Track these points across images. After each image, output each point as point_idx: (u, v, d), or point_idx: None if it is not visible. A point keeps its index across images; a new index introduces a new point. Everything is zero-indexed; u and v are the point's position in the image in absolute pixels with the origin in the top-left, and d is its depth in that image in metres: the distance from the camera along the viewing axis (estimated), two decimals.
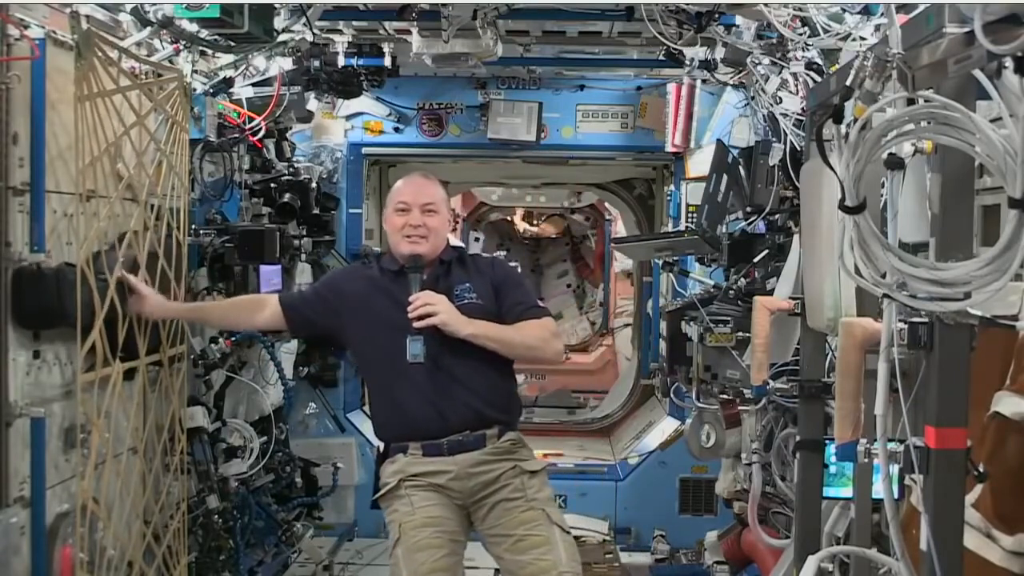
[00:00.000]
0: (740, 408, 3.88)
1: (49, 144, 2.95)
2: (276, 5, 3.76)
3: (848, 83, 2.01)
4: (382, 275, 3.29)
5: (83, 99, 2.90)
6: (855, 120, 1.94)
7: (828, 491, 3.00)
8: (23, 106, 2.86)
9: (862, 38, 3.19)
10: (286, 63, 4.52)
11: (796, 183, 3.69)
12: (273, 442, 4.59)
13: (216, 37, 3.60)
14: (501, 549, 3.10)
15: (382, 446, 3.29)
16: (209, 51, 3.97)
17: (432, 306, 3.04)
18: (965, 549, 1.97)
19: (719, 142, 4.68)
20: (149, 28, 3.41)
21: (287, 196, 5.00)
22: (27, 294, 2.84)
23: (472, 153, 6.22)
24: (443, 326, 3.05)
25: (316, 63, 4.59)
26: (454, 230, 10.78)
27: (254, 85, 4.53)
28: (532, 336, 3.17)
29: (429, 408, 3.11)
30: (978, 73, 1.74)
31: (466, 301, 3.17)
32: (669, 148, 5.66)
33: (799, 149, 3.80)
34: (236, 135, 4.42)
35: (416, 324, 3.04)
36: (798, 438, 3.10)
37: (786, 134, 3.96)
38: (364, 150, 6.07)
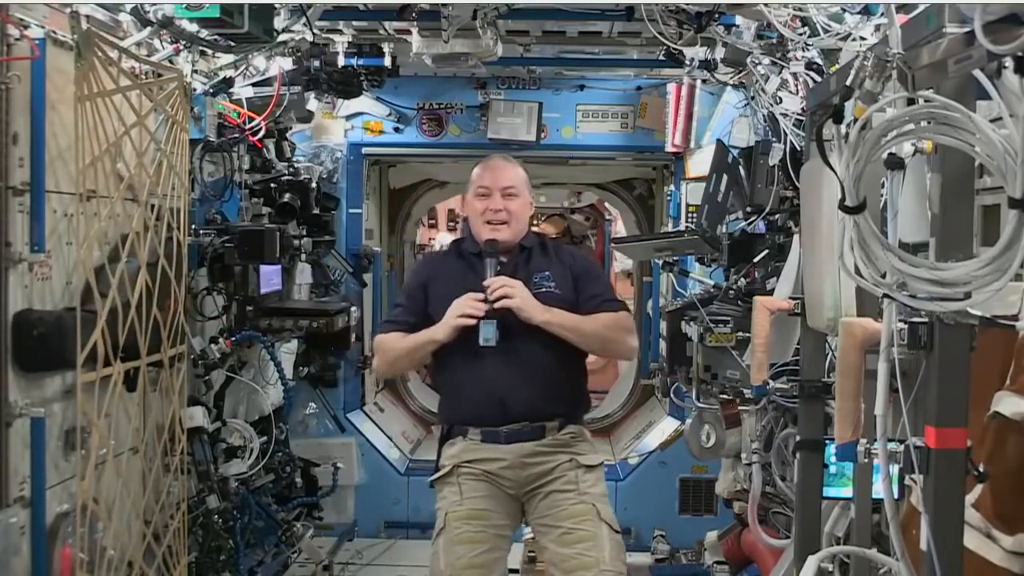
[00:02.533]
0: (740, 408, 3.87)
1: (49, 144, 2.95)
2: (276, 5, 3.76)
3: (848, 83, 2.01)
4: (460, 259, 3.29)
5: (83, 99, 2.90)
6: (855, 120, 1.94)
7: (828, 491, 3.00)
8: (23, 106, 2.86)
9: (862, 38, 3.19)
10: (286, 63, 4.52)
11: (796, 183, 3.68)
12: (273, 442, 4.59)
13: (216, 37, 3.60)
14: (547, 539, 3.11)
15: (445, 427, 3.30)
16: (209, 51, 3.97)
17: (508, 289, 3.04)
18: (965, 549, 1.96)
19: (719, 142, 4.68)
20: (149, 28, 3.41)
21: (287, 196, 5.00)
22: (27, 341, 2.83)
23: (472, 153, 6.19)
24: (518, 311, 3.04)
25: (316, 63, 4.58)
26: (453, 229, 10.79)
27: (254, 85, 4.53)
28: (607, 328, 3.17)
29: (492, 396, 3.11)
30: (978, 73, 1.74)
31: (544, 289, 3.16)
32: (669, 148, 5.66)
33: (799, 149, 3.80)
34: (236, 135, 4.42)
35: (494, 305, 3.03)
36: (798, 438, 3.10)
37: (786, 134, 3.96)
38: (364, 150, 6.07)
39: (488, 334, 3.06)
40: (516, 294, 3.05)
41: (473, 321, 3.06)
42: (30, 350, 2.86)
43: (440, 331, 3.11)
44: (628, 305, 3.53)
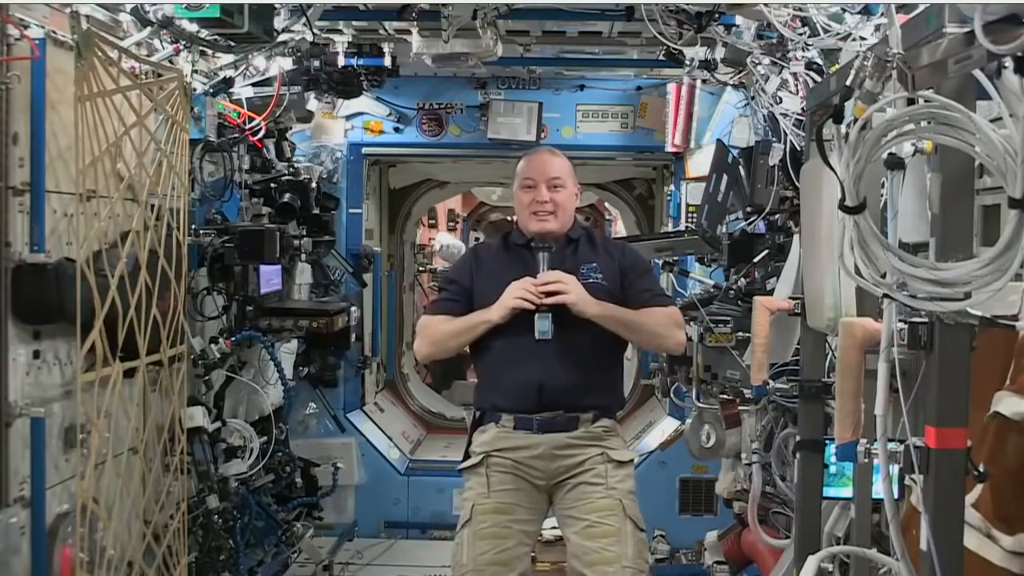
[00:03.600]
0: (740, 408, 3.87)
1: (49, 144, 2.95)
2: (276, 5, 3.76)
3: (848, 83, 2.01)
4: (507, 251, 3.28)
5: (83, 99, 2.90)
6: (855, 120, 1.94)
7: (828, 491, 3.00)
8: (23, 106, 2.86)
9: (862, 38, 3.19)
10: (286, 63, 4.52)
11: (796, 183, 3.68)
12: (273, 442, 4.59)
13: (216, 37, 3.60)
14: (571, 531, 3.10)
15: (478, 413, 3.28)
16: (209, 51, 3.97)
17: (563, 284, 3.04)
18: (965, 549, 1.96)
19: (719, 142, 4.68)
20: (149, 28, 3.41)
21: (287, 196, 5.00)
22: (27, 290, 2.84)
23: (472, 153, 6.22)
24: (572, 306, 3.03)
25: (316, 63, 4.58)
26: (453, 229, 10.79)
27: (254, 85, 4.53)
28: (657, 323, 3.15)
29: (530, 382, 3.10)
30: (978, 73, 1.74)
31: (591, 281, 3.15)
32: (669, 148, 5.66)
33: (799, 149, 3.80)
34: (236, 135, 4.42)
35: (546, 301, 3.02)
36: (798, 438, 3.10)
37: (786, 134, 3.96)
38: (364, 150, 6.07)
39: (544, 328, 3.04)
40: (571, 289, 3.04)
41: (530, 306, 3.04)
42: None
43: (495, 312, 3.09)
44: (675, 300, 3.52)
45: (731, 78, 4.64)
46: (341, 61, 4.70)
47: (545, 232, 3.18)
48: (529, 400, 3.12)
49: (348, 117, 5.93)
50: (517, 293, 3.06)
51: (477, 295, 3.23)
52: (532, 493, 3.13)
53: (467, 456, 3.24)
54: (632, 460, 3.24)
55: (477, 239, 11.61)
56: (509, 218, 12.14)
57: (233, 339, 4.26)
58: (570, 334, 3.08)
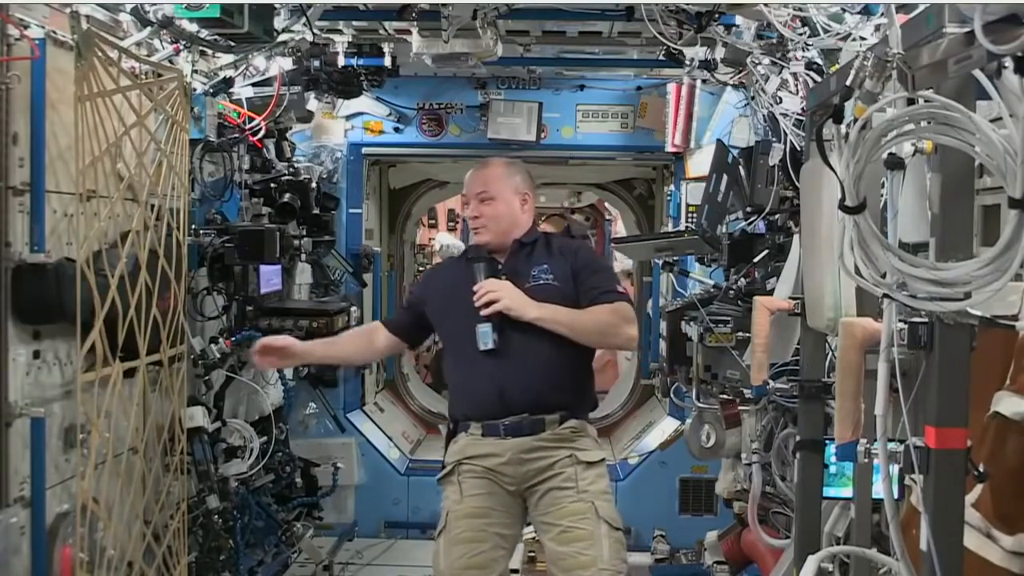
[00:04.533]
0: (740, 408, 3.87)
1: (49, 144, 2.95)
2: (276, 5, 3.76)
3: (848, 83, 2.01)
4: (461, 264, 3.35)
5: (83, 99, 2.90)
6: (855, 120, 1.94)
7: (828, 491, 3.00)
8: (23, 106, 2.86)
9: (862, 38, 3.19)
10: (286, 63, 4.52)
11: (796, 183, 3.68)
12: (273, 442, 4.59)
13: (216, 37, 3.60)
14: (546, 537, 3.12)
15: (452, 425, 3.33)
16: (209, 51, 3.97)
17: (495, 292, 3.08)
18: (965, 549, 1.96)
19: (719, 142, 4.67)
20: (149, 28, 3.41)
21: (287, 196, 5.00)
22: (27, 290, 2.84)
23: (472, 153, 6.20)
24: (507, 311, 3.09)
25: (316, 63, 4.58)
26: (453, 229, 10.78)
27: (254, 85, 4.53)
28: (602, 321, 3.17)
29: (493, 389, 3.14)
30: (978, 73, 1.74)
31: (542, 282, 3.19)
32: (669, 148, 5.66)
33: (799, 149, 3.80)
34: (236, 135, 4.42)
35: (482, 312, 3.08)
36: (798, 438, 3.10)
37: (786, 134, 3.96)
38: (364, 150, 6.07)
39: (486, 338, 3.11)
40: (502, 295, 3.09)
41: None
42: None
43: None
44: (630, 296, 3.56)
45: (731, 78, 4.64)
46: (341, 61, 4.70)
47: (481, 244, 3.26)
48: (492, 406, 3.15)
49: (348, 117, 5.93)
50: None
51: (431, 307, 3.36)
52: (506, 498, 3.15)
53: (443, 467, 3.28)
54: (603, 459, 3.24)
55: None
56: None
57: (233, 339, 4.26)
58: (526, 339, 3.11)
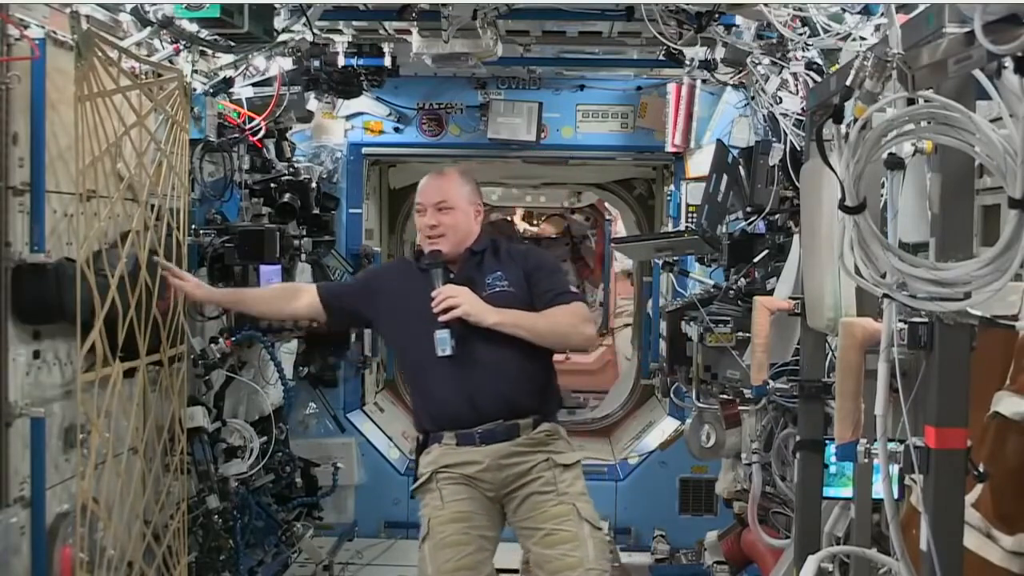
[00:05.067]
0: (740, 408, 3.87)
1: (49, 144, 2.95)
2: (276, 5, 3.76)
3: (848, 83, 2.01)
4: (415, 270, 3.34)
5: (83, 99, 2.90)
6: (855, 120, 1.94)
7: (828, 491, 3.00)
8: (23, 106, 2.86)
9: (862, 38, 3.19)
10: (286, 63, 4.52)
11: (796, 183, 3.68)
12: (273, 442, 4.59)
13: (216, 37, 3.60)
14: (530, 542, 3.11)
15: (421, 437, 3.31)
16: (209, 51, 3.97)
17: (454, 298, 3.07)
18: (965, 549, 1.97)
19: (719, 142, 4.68)
20: (149, 28, 3.41)
21: (287, 196, 5.00)
22: (27, 289, 2.84)
23: (472, 153, 6.22)
24: (467, 316, 3.07)
25: (316, 63, 4.58)
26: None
27: (254, 85, 4.53)
28: (560, 323, 3.18)
29: (461, 397, 3.13)
30: (978, 73, 1.74)
31: (498, 289, 3.19)
32: (669, 148, 5.66)
33: (799, 149, 3.80)
34: (236, 135, 4.41)
35: (441, 318, 3.07)
36: (798, 438, 3.10)
37: (786, 134, 3.96)
38: (364, 150, 6.07)
39: (444, 345, 3.09)
40: (461, 301, 3.08)
41: None
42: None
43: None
44: (583, 296, 3.57)
45: (731, 78, 4.64)
46: (341, 61, 4.70)
47: (435, 252, 3.24)
48: (464, 414, 3.15)
49: (348, 117, 5.94)
50: None
51: (380, 309, 3.33)
52: (485, 502, 3.15)
53: (415, 479, 3.26)
54: (579, 461, 3.25)
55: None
56: (509, 218, 12.16)
57: (233, 339, 4.25)
58: (489, 344, 3.11)
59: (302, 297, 3.47)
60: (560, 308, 3.19)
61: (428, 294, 3.14)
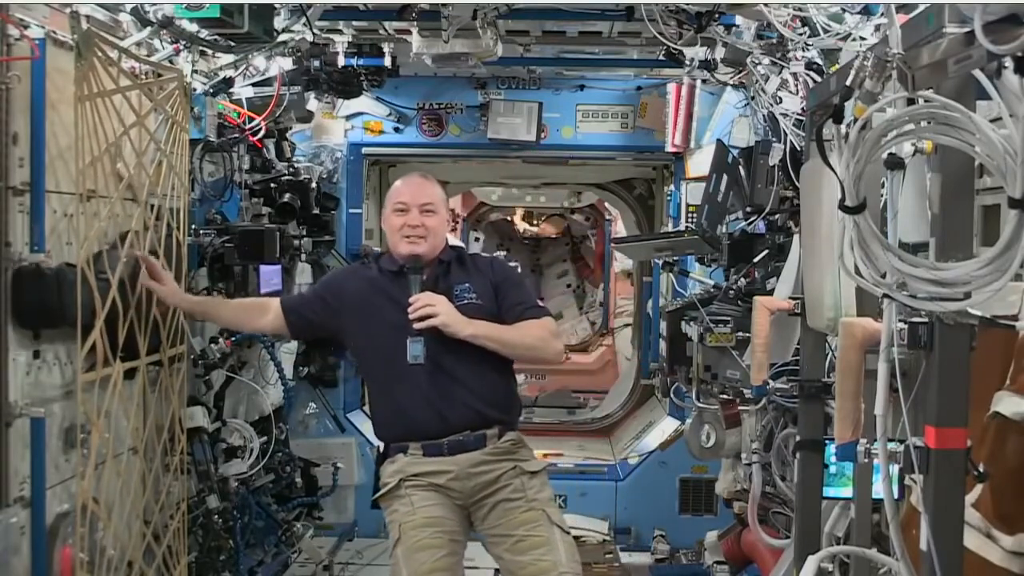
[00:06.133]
0: (740, 408, 3.88)
1: (49, 144, 2.95)
2: (276, 5, 3.76)
3: (848, 83, 2.01)
4: (381, 276, 3.28)
5: (83, 99, 2.90)
6: (855, 120, 1.94)
7: (828, 491, 3.00)
8: (23, 106, 2.86)
9: (862, 38, 3.19)
10: (286, 63, 4.52)
11: (796, 183, 3.69)
12: (273, 442, 4.59)
13: (216, 37, 3.60)
14: (501, 549, 3.11)
15: (382, 446, 3.29)
16: (209, 51, 3.97)
17: (433, 307, 3.05)
18: (965, 549, 1.97)
19: (719, 142, 4.68)
20: (149, 28, 3.41)
21: (287, 196, 5.00)
22: (27, 293, 2.83)
23: (472, 153, 6.22)
24: (444, 327, 3.05)
25: (316, 63, 4.59)
26: (453, 230, 10.78)
27: (254, 85, 4.53)
28: (532, 336, 3.18)
29: (429, 408, 3.11)
30: (978, 73, 1.74)
31: (465, 301, 3.17)
32: (669, 148, 5.66)
33: (799, 149, 3.80)
34: (236, 135, 4.42)
35: (416, 325, 3.04)
36: (798, 438, 3.10)
37: (786, 134, 3.96)
38: (364, 150, 6.07)
39: (416, 351, 3.06)
40: (440, 311, 3.05)
41: None
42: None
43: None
44: (549, 309, 3.54)
45: (731, 78, 4.64)
46: (341, 61, 4.70)
47: (415, 255, 3.18)
48: (431, 426, 3.13)
49: (348, 117, 5.94)
50: None
51: (346, 319, 3.25)
52: (454, 509, 3.14)
53: (376, 489, 3.23)
54: (544, 468, 3.25)
55: (477, 239, 11.61)
56: (509, 218, 12.16)
57: (233, 339, 4.26)
58: (457, 355, 3.10)
59: (268, 313, 3.39)
60: (531, 322, 3.19)
61: (399, 300, 3.10)
